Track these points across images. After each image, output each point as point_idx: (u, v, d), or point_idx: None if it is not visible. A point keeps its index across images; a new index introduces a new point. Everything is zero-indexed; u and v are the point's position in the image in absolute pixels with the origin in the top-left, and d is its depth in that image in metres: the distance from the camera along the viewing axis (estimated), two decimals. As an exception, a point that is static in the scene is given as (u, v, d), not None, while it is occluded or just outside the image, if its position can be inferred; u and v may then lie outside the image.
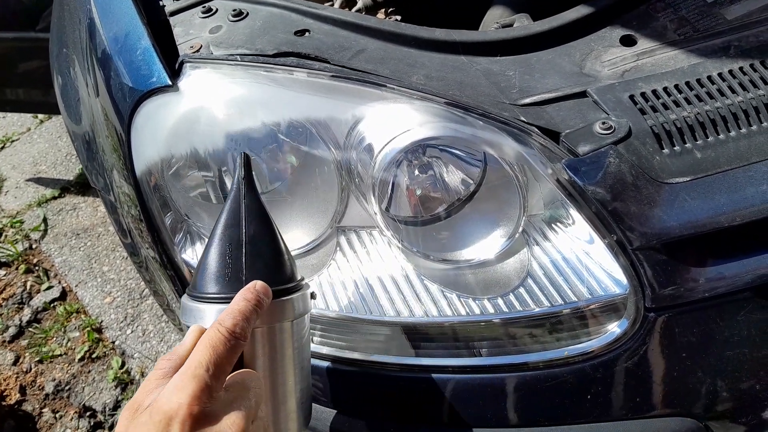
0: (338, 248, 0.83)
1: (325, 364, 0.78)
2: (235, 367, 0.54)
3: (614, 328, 0.71)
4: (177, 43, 0.89)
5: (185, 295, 0.63)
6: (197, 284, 0.61)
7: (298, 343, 0.63)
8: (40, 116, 3.26)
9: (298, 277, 0.66)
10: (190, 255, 0.89)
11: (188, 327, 0.59)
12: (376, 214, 0.78)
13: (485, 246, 0.77)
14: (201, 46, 0.86)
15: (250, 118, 0.81)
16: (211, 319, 0.57)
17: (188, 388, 0.47)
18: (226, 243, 0.61)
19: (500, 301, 0.73)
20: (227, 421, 0.48)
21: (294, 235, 0.85)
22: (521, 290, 0.74)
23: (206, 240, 0.88)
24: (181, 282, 0.93)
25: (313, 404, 0.79)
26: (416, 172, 0.78)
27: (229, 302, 0.56)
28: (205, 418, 0.47)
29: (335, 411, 0.78)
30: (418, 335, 0.76)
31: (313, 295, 0.67)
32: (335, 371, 0.78)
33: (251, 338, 0.57)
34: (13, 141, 3.17)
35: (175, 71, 0.84)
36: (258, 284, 0.58)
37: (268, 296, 0.58)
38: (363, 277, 0.79)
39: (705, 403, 0.71)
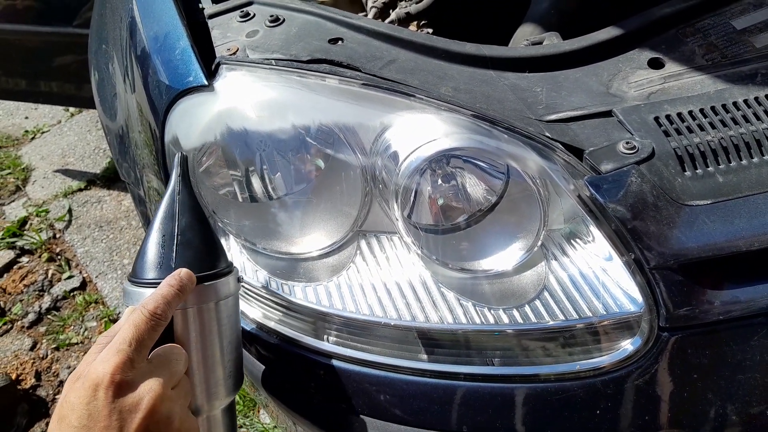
0: (359, 251, 0.85)
1: (339, 363, 0.80)
2: (166, 341, 0.63)
3: (627, 345, 0.72)
4: (214, 45, 0.92)
5: (125, 280, 0.71)
6: (136, 270, 0.69)
7: (226, 321, 0.71)
8: (72, 109, 3.35)
9: (223, 265, 0.73)
10: (215, 250, 0.91)
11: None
12: (397, 220, 0.80)
13: (503, 257, 0.78)
14: (237, 49, 0.89)
15: (281, 121, 0.84)
16: None
17: (112, 360, 0.56)
18: (161, 234, 0.69)
19: (515, 313, 0.75)
20: (145, 387, 0.56)
21: (316, 237, 0.87)
22: (537, 303, 0.75)
23: (230, 236, 0.91)
24: (204, 276, 0.95)
25: (323, 403, 0.81)
26: (439, 182, 0.80)
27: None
28: (126, 385, 0.56)
29: (343, 410, 0.79)
30: (432, 341, 0.77)
31: (239, 279, 0.76)
32: (347, 371, 0.79)
33: (183, 317, 0.66)
34: (43, 132, 3.25)
35: (211, 72, 0.87)
36: (183, 271, 0.66)
37: (192, 282, 0.66)
38: (381, 281, 0.81)
39: (714, 426, 0.72)
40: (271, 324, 0.87)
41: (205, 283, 0.69)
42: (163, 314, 0.61)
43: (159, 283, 0.65)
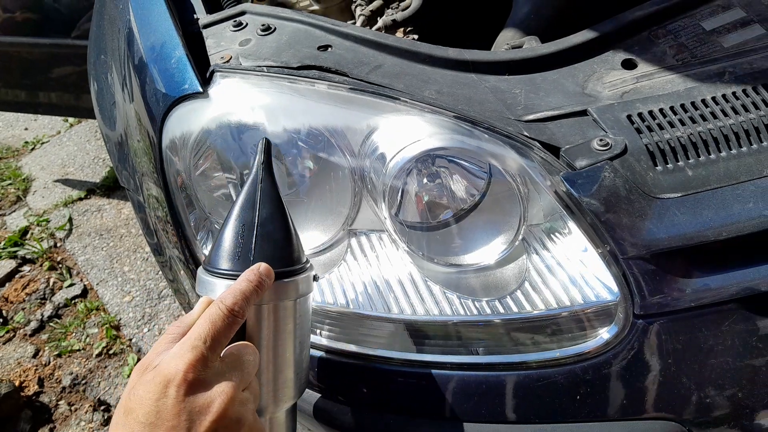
0: (349, 249, 0.88)
1: (331, 356, 0.83)
2: (238, 338, 0.61)
3: (604, 333, 0.75)
4: (209, 54, 0.95)
5: (200, 267, 0.67)
6: (211, 259, 0.66)
7: (299, 320, 0.68)
8: (71, 120, 3.39)
9: (303, 261, 0.70)
10: (211, 251, 0.94)
11: (199, 297, 0.64)
12: (385, 218, 0.84)
13: (486, 252, 0.82)
14: (231, 57, 0.92)
15: (273, 125, 0.87)
16: (218, 293, 0.62)
17: (186, 357, 0.53)
18: (240, 223, 0.66)
19: (498, 304, 0.78)
20: (218, 389, 0.54)
21: (309, 236, 0.90)
22: (518, 294, 0.78)
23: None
24: (201, 276, 0.98)
25: (319, 397, 0.84)
26: (425, 181, 0.84)
27: (236, 279, 0.61)
28: (199, 384, 0.53)
29: (338, 401, 0.83)
30: (420, 332, 0.81)
31: (315, 278, 0.72)
32: (340, 363, 0.83)
33: (257, 313, 0.63)
34: (43, 143, 3.29)
35: (206, 79, 0.91)
36: (262, 266, 0.63)
37: (270, 278, 0.63)
38: (371, 277, 0.84)
39: (689, 408, 0.75)
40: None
41: (284, 280, 0.65)
42: (241, 311, 0.59)
43: (234, 275, 0.62)
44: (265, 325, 0.64)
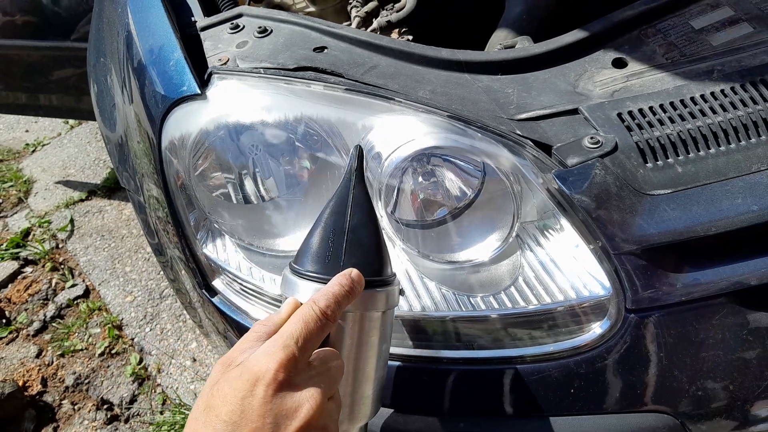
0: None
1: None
2: (322, 346, 0.58)
3: (597, 327, 0.77)
4: (206, 56, 0.97)
5: (287, 267, 0.66)
6: (299, 260, 0.64)
7: (383, 334, 0.66)
8: (71, 122, 3.40)
9: (391, 272, 0.68)
10: (211, 250, 0.96)
11: (285, 298, 0.63)
12: (381, 216, 0.85)
13: (481, 249, 0.83)
14: (228, 59, 0.94)
15: (270, 126, 0.89)
16: (305, 295, 0.61)
17: (277, 356, 0.51)
18: (330, 227, 0.64)
19: (493, 299, 0.80)
20: (306, 393, 0.51)
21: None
22: (512, 290, 0.80)
23: (226, 236, 0.96)
24: (202, 275, 1.00)
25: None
26: (420, 179, 0.85)
27: (324, 282, 0.60)
28: (288, 385, 0.51)
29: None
30: (416, 328, 0.82)
31: (401, 292, 0.70)
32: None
33: (342, 321, 0.61)
34: (44, 145, 3.30)
35: (204, 81, 0.92)
36: (354, 272, 0.61)
37: (361, 285, 0.61)
38: (368, 274, 0.86)
39: (682, 401, 0.77)
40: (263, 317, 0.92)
41: (376, 289, 0.64)
42: (333, 315, 0.56)
43: (322, 278, 0.61)
44: (348, 335, 0.62)
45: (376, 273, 0.65)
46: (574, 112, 0.81)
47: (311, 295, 0.59)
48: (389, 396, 0.82)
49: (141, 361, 2.02)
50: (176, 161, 0.94)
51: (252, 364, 0.51)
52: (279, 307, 0.92)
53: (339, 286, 0.59)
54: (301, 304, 0.59)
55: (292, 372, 0.51)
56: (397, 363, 0.82)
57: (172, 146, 0.93)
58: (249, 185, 0.93)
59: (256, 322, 0.58)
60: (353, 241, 0.64)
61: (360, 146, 0.70)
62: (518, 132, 0.79)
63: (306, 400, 0.51)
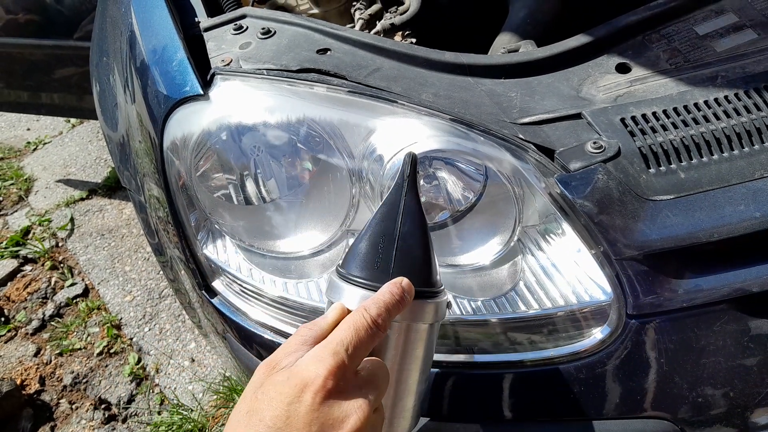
0: (346, 249, 0.89)
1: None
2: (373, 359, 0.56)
3: (598, 333, 0.76)
4: (209, 57, 0.96)
5: (333, 271, 0.65)
6: (347, 265, 0.63)
7: (428, 346, 0.64)
8: (73, 120, 3.41)
9: (441, 285, 0.67)
10: (212, 251, 0.96)
11: (330, 303, 0.62)
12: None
13: (482, 252, 0.83)
14: (231, 60, 0.94)
15: (272, 127, 0.89)
16: (352, 300, 0.59)
17: (327, 362, 0.49)
18: (380, 234, 0.63)
19: (493, 303, 0.79)
20: (354, 404, 0.49)
21: (308, 236, 0.92)
22: (513, 294, 0.80)
23: (227, 237, 0.96)
24: (202, 276, 1.00)
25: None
26: (422, 182, 0.85)
27: (373, 289, 0.58)
28: (336, 394, 0.49)
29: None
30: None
31: (449, 305, 0.68)
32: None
33: (388, 331, 0.59)
34: (45, 143, 3.30)
35: (206, 82, 0.92)
36: (404, 281, 0.59)
37: (411, 295, 0.59)
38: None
39: (682, 407, 0.76)
40: (267, 320, 0.91)
41: (426, 300, 0.62)
42: (384, 324, 0.55)
43: (371, 286, 0.59)
44: (393, 345, 0.60)
45: (426, 283, 0.63)
46: (578, 116, 0.80)
47: (358, 302, 0.58)
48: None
49: (139, 360, 2.02)
50: (178, 161, 0.94)
51: (300, 369, 0.49)
52: (279, 308, 0.92)
53: (390, 294, 0.57)
54: (349, 310, 0.57)
55: (341, 381, 0.49)
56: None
57: (173, 146, 0.93)
58: (250, 186, 0.93)
59: (302, 325, 0.56)
60: (403, 249, 0.62)
61: (414, 153, 0.68)
62: (521, 136, 0.79)
63: (354, 411, 0.49)
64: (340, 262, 0.65)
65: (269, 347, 0.90)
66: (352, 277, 0.61)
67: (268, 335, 0.90)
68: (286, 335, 0.89)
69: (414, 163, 0.68)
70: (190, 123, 0.92)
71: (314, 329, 0.55)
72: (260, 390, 0.49)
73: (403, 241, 0.62)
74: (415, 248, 0.63)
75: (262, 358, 0.92)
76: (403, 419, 0.64)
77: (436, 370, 0.80)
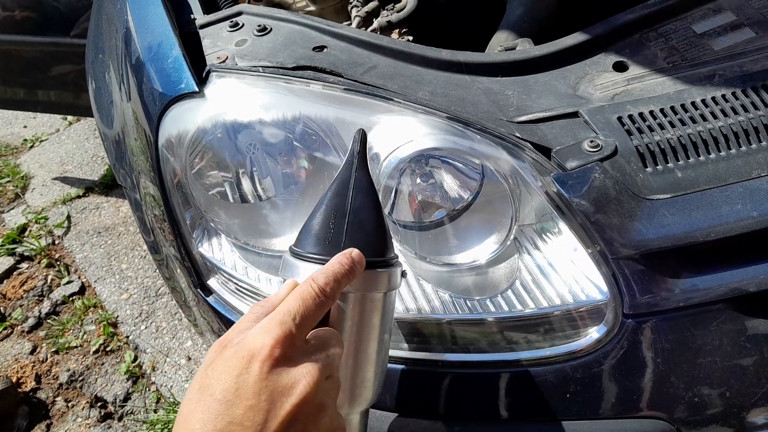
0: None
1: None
2: (321, 326, 0.57)
3: (594, 332, 0.76)
4: (205, 54, 0.96)
5: (287, 251, 0.65)
6: (299, 243, 0.64)
7: (384, 316, 0.65)
8: (70, 118, 3.39)
9: (393, 255, 0.68)
10: (207, 249, 0.95)
11: (284, 281, 0.62)
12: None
13: (479, 251, 0.83)
14: (227, 57, 0.93)
15: (268, 125, 0.88)
16: (304, 276, 0.59)
17: (273, 332, 0.50)
18: (331, 210, 0.64)
19: (489, 303, 0.79)
20: (303, 369, 0.50)
21: (303, 235, 0.91)
22: (510, 293, 0.79)
23: (222, 236, 0.96)
24: (197, 274, 0.99)
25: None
26: (418, 180, 0.85)
27: (324, 263, 0.59)
28: (284, 361, 0.49)
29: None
30: (412, 331, 0.82)
31: (404, 274, 0.70)
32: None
33: (343, 302, 0.60)
34: (42, 141, 3.29)
35: (202, 79, 0.91)
36: (354, 252, 0.60)
37: (362, 265, 0.60)
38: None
39: (678, 407, 0.76)
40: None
41: (377, 270, 0.63)
42: (332, 293, 0.55)
43: (323, 260, 0.60)
44: (350, 315, 0.61)
45: (378, 254, 0.64)
46: (574, 115, 0.80)
47: None
48: (384, 398, 0.81)
49: (135, 359, 2.01)
50: (173, 159, 0.93)
51: (248, 341, 0.50)
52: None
53: (339, 264, 0.58)
54: None
55: (289, 349, 0.50)
56: (393, 365, 0.81)
57: (169, 144, 0.93)
58: (246, 184, 0.92)
59: (254, 303, 0.56)
60: (354, 223, 0.63)
61: (363, 130, 0.69)
62: (518, 134, 0.78)
63: (303, 377, 0.49)
64: (294, 241, 0.65)
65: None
66: (304, 254, 0.62)
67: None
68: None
69: (363, 139, 0.69)
70: (185, 120, 0.91)
71: (266, 306, 0.55)
72: (210, 367, 0.50)
73: (355, 216, 0.63)
74: (367, 222, 0.64)
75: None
76: (365, 389, 0.64)
77: (432, 369, 0.80)
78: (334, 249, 0.61)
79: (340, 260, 0.58)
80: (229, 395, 0.47)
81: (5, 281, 2.40)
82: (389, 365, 0.80)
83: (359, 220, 0.64)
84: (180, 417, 0.49)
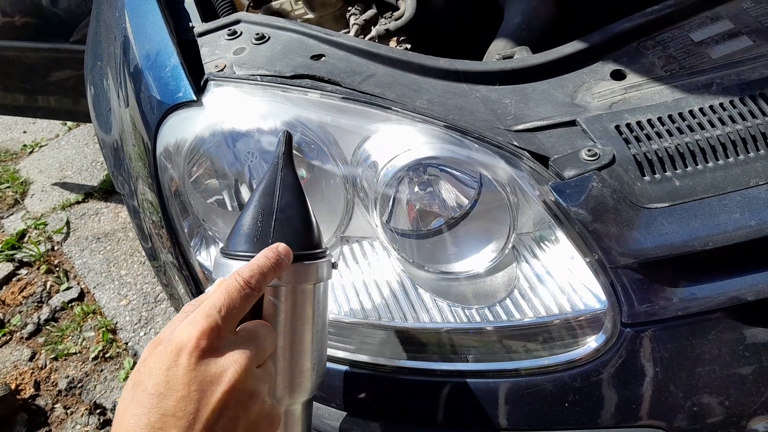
0: (341, 256, 0.89)
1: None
2: (255, 319, 0.59)
3: (592, 341, 0.76)
4: (203, 62, 0.96)
5: (218, 252, 0.67)
6: (229, 243, 0.66)
7: (317, 308, 0.67)
8: (69, 124, 3.39)
9: (323, 247, 0.70)
10: (205, 257, 0.95)
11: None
12: (377, 226, 0.84)
13: (476, 260, 0.83)
14: (225, 65, 0.93)
15: (266, 134, 0.88)
16: None
17: (199, 325, 0.52)
18: (259, 209, 0.66)
19: (487, 311, 0.79)
20: (230, 357, 0.52)
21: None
22: (508, 302, 0.79)
23: (220, 244, 0.95)
24: (195, 283, 0.99)
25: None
26: (416, 189, 0.84)
27: None
28: (211, 352, 0.51)
29: (327, 406, 0.83)
30: (410, 340, 0.82)
31: (334, 265, 0.72)
32: (332, 370, 0.83)
33: (275, 295, 0.62)
34: (41, 146, 3.29)
35: (200, 88, 0.91)
36: (280, 246, 0.61)
37: (289, 258, 0.61)
38: (363, 284, 0.85)
39: (677, 416, 0.76)
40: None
41: (304, 262, 0.65)
42: (257, 285, 0.57)
43: (249, 256, 0.61)
44: (282, 308, 0.63)
45: (306, 248, 0.66)
46: (572, 123, 0.80)
47: None
48: (382, 408, 0.81)
49: (135, 365, 2.00)
50: (171, 167, 0.93)
51: (175, 336, 0.52)
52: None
53: (264, 258, 0.59)
54: None
55: (216, 340, 0.52)
56: (390, 375, 0.81)
57: (167, 152, 0.93)
58: (245, 193, 0.92)
59: (186, 303, 0.58)
60: (282, 221, 0.66)
61: (288, 131, 0.72)
62: (515, 143, 0.78)
63: (231, 365, 0.51)
64: (224, 243, 0.67)
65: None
66: (233, 252, 0.64)
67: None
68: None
69: (289, 141, 0.72)
70: (183, 129, 0.91)
71: (195, 304, 0.56)
72: (142, 364, 0.51)
73: (282, 213, 0.66)
74: (294, 218, 0.67)
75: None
76: (304, 379, 0.66)
77: (431, 378, 0.80)
78: (262, 246, 0.63)
79: (265, 254, 0.60)
80: (161, 388, 0.49)
81: (4, 287, 2.39)
82: (392, 375, 0.80)
83: (286, 217, 0.66)
84: (116, 416, 0.51)
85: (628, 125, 0.78)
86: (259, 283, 0.57)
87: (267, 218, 0.65)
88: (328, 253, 0.70)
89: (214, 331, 0.52)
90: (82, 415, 1.89)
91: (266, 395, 0.55)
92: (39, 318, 2.23)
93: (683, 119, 0.78)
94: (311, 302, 0.66)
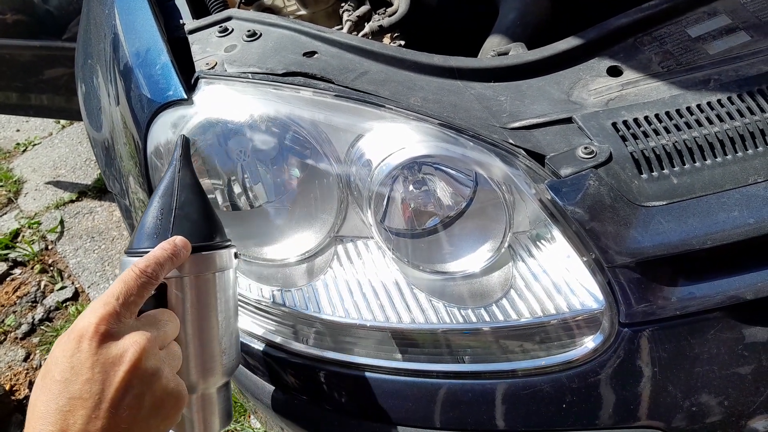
0: (336, 256, 0.88)
1: (318, 365, 0.83)
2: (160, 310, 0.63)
3: (590, 341, 0.75)
4: (194, 60, 0.95)
5: (123, 252, 0.71)
6: (133, 243, 0.69)
7: (222, 295, 0.71)
8: (62, 122, 3.37)
9: (222, 238, 0.74)
10: (197, 258, 0.94)
11: None
12: (371, 225, 0.83)
13: (472, 260, 0.82)
14: (216, 63, 0.92)
15: (258, 132, 0.87)
16: None
17: (98, 312, 0.55)
18: (159, 208, 0.70)
19: (483, 312, 0.78)
20: (130, 338, 0.55)
21: (295, 243, 0.90)
22: (504, 302, 0.78)
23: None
24: (188, 283, 0.98)
25: (306, 404, 0.84)
26: (411, 188, 0.83)
27: None
28: (111, 336, 0.55)
29: (323, 409, 0.82)
30: (405, 340, 0.81)
31: (236, 255, 0.75)
32: (326, 372, 0.82)
33: (179, 285, 0.66)
34: (35, 145, 3.27)
35: (190, 86, 0.90)
36: (178, 238, 0.65)
37: (187, 249, 0.65)
38: (357, 284, 0.84)
39: (676, 416, 0.75)
40: (253, 328, 0.90)
41: (203, 253, 0.69)
42: (154, 273, 0.60)
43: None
44: (187, 298, 0.67)
45: (205, 239, 0.70)
46: (568, 121, 0.79)
47: None
48: (379, 410, 0.80)
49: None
50: (162, 166, 0.92)
51: (77, 324, 0.55)
52: (264, 316, 0.91)
53: (161, 249, 0.63)
54: None
55: (115, 325, 0.55)
56: (386, 376, 0.80)
57: (157, 152, 0.91)
58: (237, 191, 0.91)
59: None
60: (180, 217, 0.69)
61: (185, 136, 0.76)
62: (511, 141, 0.77)
63: (130, 345, 0.55)
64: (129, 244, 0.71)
65: (255, 356, 0.88)
66: (135, 250, 0.67)
67: (255, 344, 0.88)
68: (272, 343, 0.87)
69: (185, 144, 0.76)
70: (174, 127, 0.90)
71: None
72: (50, 354, 0.55)
73: (181, 210, 0.70)
74: (193, 213, 0.71)
75: (248, 367, 0.91)
76: (215, 363, 0.69)
77: (427, 380, 0.79)
78: (162, 240, 0.66)
79: (162, 246, 0.64)
80: (66, 374, 0.52)
81: (-2, 287, 2.38)
82: (388, 377, 0.79)
83: (185, 214, 0.70)
84: (29, 407, 0.54)
85: (625, 122, 0.77)
86: (155, 271, 0.60)
87: (166, 216, 0.69)
88: (228, 243, 0.74)
89: (113, 317, 0.55)
90: (76, 416, 1.88)
91: (170, 374, 0.58)
92: (33, 318, 2.22)
93: (681, 116, 0.77)
94: (214, 290, 0.70)
